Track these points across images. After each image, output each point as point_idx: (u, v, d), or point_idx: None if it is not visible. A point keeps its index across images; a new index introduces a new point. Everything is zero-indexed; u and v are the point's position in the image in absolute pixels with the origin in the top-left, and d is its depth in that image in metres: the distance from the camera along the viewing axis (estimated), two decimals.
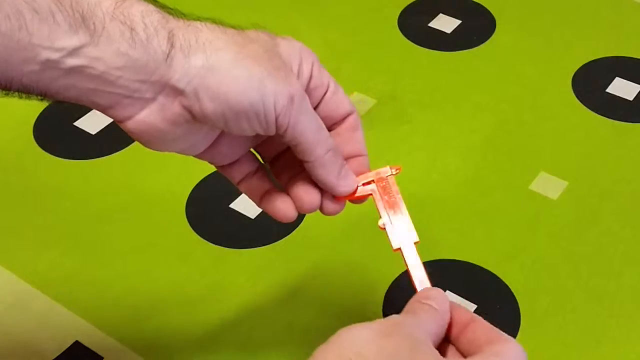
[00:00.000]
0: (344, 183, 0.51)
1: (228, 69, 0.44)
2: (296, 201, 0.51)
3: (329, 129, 0.51)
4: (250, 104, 0.44)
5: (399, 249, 0.51)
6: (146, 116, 0.45)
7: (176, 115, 0.45)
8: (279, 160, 0.54)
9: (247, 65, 0.44)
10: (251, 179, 0.53)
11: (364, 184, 0.52)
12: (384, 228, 0.52)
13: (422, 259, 0.52)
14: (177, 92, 0.44)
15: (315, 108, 0.50)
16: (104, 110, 0.45)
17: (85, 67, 0.42)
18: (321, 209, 0.52)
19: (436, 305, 0.47)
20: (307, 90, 0.49)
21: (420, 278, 0.51)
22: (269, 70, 0.45)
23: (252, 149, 0.55)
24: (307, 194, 0.51)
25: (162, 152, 0.49)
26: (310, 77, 0.50)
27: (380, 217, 0.51)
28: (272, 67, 0.45)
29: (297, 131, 0.47)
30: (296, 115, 0.46)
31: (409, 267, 0.51)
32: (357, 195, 0.52)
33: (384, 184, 0.52)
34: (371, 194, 0.52)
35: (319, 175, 0.49)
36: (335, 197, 0.51)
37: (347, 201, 0.53)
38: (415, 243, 0.52)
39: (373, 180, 0.52)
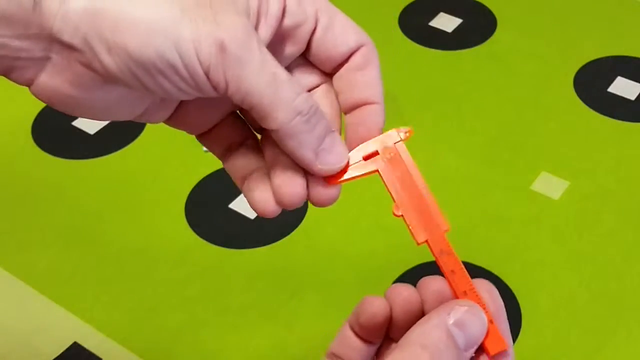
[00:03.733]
0: (326, 159, 0.37)
1: (123, 9, 0.33)
2: (274, 190, 0.38)
3: (332, 73, 0.40)
4: (158, 55, 0.33)
5: (426, 241, 0.39)
6: (47, 80, 0.36)
7: (80, 77, 0.35)
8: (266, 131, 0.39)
9: (151, 2, 0.33)
10: (234, 153, 0.40)
11: (365, 157, 0.39)
12: (401, 215, 0.39)
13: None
14: (68, 46, 0.34)
15: (305, 53, 0.39)
16: (4, 75, 0.36)
17: None
18: (310, 197, 0.38)
19: (462, 341, 0.37)
20: (281, 32, 0.37)
21: (459, 282, 0.39)
22: (187, 7, 0.34)
23: (239, 115, 0.42)
24: (286, 182, 0.37)
25: (105, 120, 0.40)
26: (284, 13, 0.37)
27: (394, 201, 0.39)
28: (192, 2, 0.34)
29: (242, 90, 0.34)
30: (234, 68, 0.34)
31: (444, 270, 0.39)
32: (355, 175, 0.38)
33: (393, 154, 0.39)
34: (377, 171, 0.39)
35: (289, 148, 0.36)
36: (326, 180, 0.38)
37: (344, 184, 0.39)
38: (445, 231, 0.39)
39: (377, 152, 0.39)
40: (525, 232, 0.79)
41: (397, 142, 0.39)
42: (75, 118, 0.92)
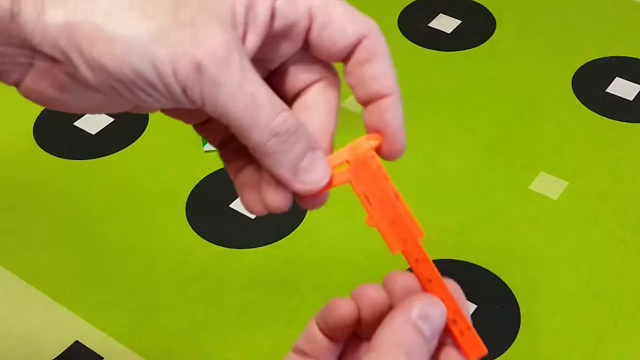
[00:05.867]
0: (304, 178, 0.36)
1: (100, 25, 0.33)
2: (262, 196, 0.38)
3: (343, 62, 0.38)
4: (136, 74, 0.33)
5: (402, 251, 0.39)
6: (32, 83, 0.36)
7: (64, 84, 0.35)
8: None
9: (129, 19, 0.33)
10: (228, 145, 0.40)
11: (335, 167, 0.38)
12: (375, 226, 0.39)
13: None
14: (49, 58, 0.34)
15: (304, 48, 0.38)
16: None
17: None
18: (298, 200, 0.38)
19: (429, 332, 0.37)
20: (273, 34, 0.36)
21: (435, 291, 0.39)
22: (165, 24, 0.33)
23: None
24: (272, 191, 0.37)
25: (98, 114, 0.40)
26: (273, 17, 0.36)
27: (367, 212, 0.38)
28: (171, 19, 0.33)
29: (218, 109, 0.34)
30: (211, 88, 0.33)
31: (420, 279, 0.39)
32: (332, 186, 0.38)
33: (363, 164, 0.38)
34: (349, 182, 0.38)
35: (266, 166, 0.36)
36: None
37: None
38: (419, 239, 0.39)
39: (348, 161, 0.38)
40: (524, 231, 0.79)
41: (367, 149, 0.38)
42: (77, 119, 0.92)
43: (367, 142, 0.38)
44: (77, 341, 0.71)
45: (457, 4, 1.09)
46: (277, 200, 0.37)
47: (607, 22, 1.06)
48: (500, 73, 0.99)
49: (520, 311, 0.72)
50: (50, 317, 0.73)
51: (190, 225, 0.80)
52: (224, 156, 0.40)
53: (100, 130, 0.91)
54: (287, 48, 0.37)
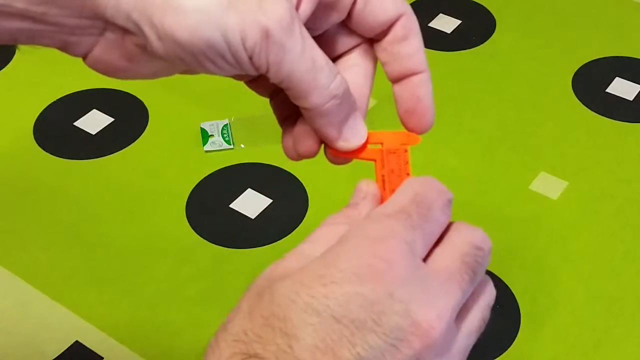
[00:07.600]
0: (348, 137, 0.40)
1: None
2: (294, 142, 0.41)
3: (375, 41, 0.41)
4: (207, 44, 0.34)
5: None
6: (100, 53, 0.37)
7: (133, 54, 0.37)
8: None
9: None
10: (278, 95, 0.42)
11: (369, 143, 0.41)
12: None
13: None
14: (121, 29, 0.36)
15: (345, 20, 0.40)
16: (59, 49, 0.38)
17: (1, 5, 0.35)
18: (325, 153, 0.42)
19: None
20: (321, 5, 0.38)
21: None
22: None
23: None
24: (304, 137, 0.40)
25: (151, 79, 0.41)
26: None
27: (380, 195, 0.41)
28: None
29: (282, 74, 0.36)
30: (277, 54, 0.35)
31: None
32: (360, 156, 0.41)
33: (394, 153, 0.41)
34: (374, 160, 0.41)
35: (316, 125, 0.39)
36: (331, 151, 0.41)
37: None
38: None
39: (382, 143, 0.41)
40: (523, 231, 0.79)
41: (403, 145, 0.41)
42: (77, 119, 0.92)
43: (406, 138, 0.41)
44: (77, 341, 0.71)
45: (457, 4, 1.09)
46: (308, 150, 0.40)
47: (607, 22, 1.06)
48: (500, 73, 0.99)
49: (520, 311, 0.72)
50: (51, 317, 0.73)
51: (190, 225, 0.80)
52: (274, 105, 0.43)
53: (100, 130, 0.91)
54: (332, 18, 0.39)
